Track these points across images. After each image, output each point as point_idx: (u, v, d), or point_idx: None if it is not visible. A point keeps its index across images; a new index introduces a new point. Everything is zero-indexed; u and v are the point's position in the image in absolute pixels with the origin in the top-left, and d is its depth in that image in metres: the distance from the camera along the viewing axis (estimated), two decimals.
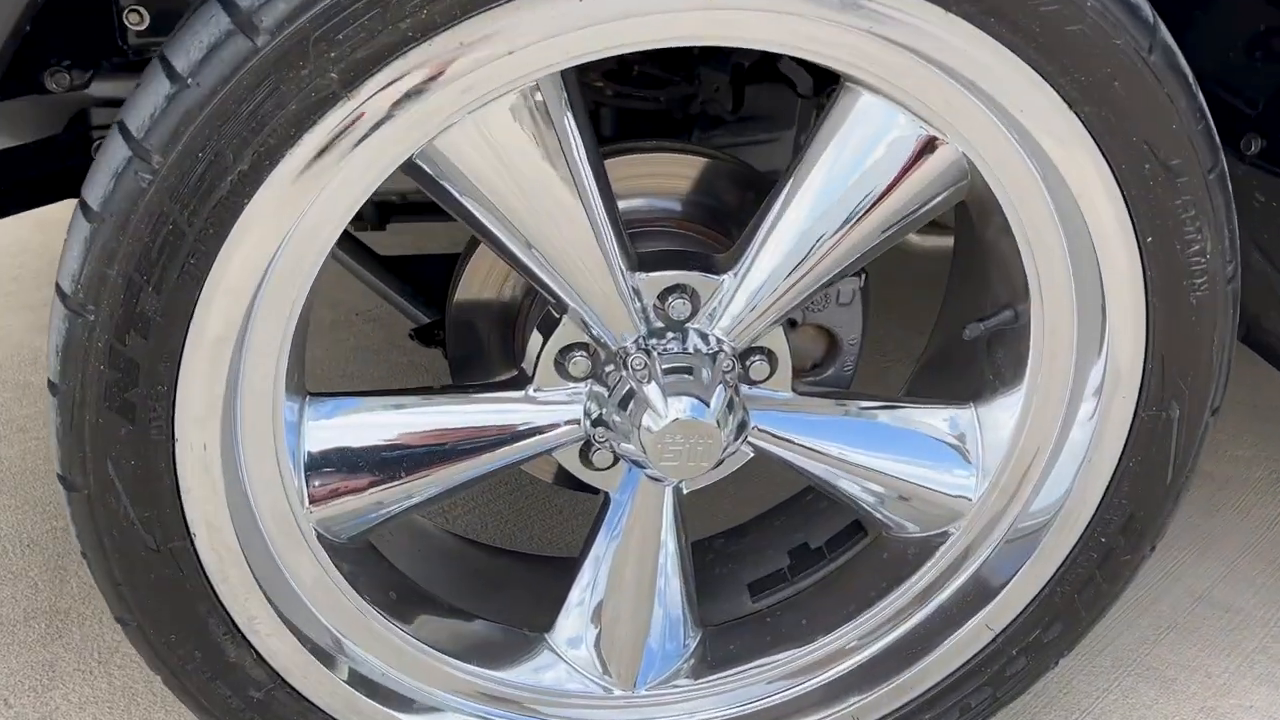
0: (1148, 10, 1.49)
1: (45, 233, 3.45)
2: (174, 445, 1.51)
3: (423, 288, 2.09)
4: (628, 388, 1.64)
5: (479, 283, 1.82)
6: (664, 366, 1.62)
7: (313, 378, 1.72)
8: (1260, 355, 1.99)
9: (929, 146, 1.57)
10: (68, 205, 1.61)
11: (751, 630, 1.91)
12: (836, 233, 1.61)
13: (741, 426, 1.67)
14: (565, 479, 1.79)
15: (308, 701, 1.71)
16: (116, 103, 1.56)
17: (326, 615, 1.69)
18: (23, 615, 2.23)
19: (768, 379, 1.71)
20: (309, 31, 1.34)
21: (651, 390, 1.61)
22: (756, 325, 1.66)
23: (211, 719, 1.68)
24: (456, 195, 1.52)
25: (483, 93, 1.43)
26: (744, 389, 1.70)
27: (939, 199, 1.62)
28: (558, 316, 1.64)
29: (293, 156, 1.40)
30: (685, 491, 1.77)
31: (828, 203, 1.61)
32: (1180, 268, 1.61)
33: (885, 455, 1.80)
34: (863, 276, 1.80)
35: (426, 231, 2.36)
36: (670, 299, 1.64)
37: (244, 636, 1.64)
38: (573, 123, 1.51)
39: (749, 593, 1.96)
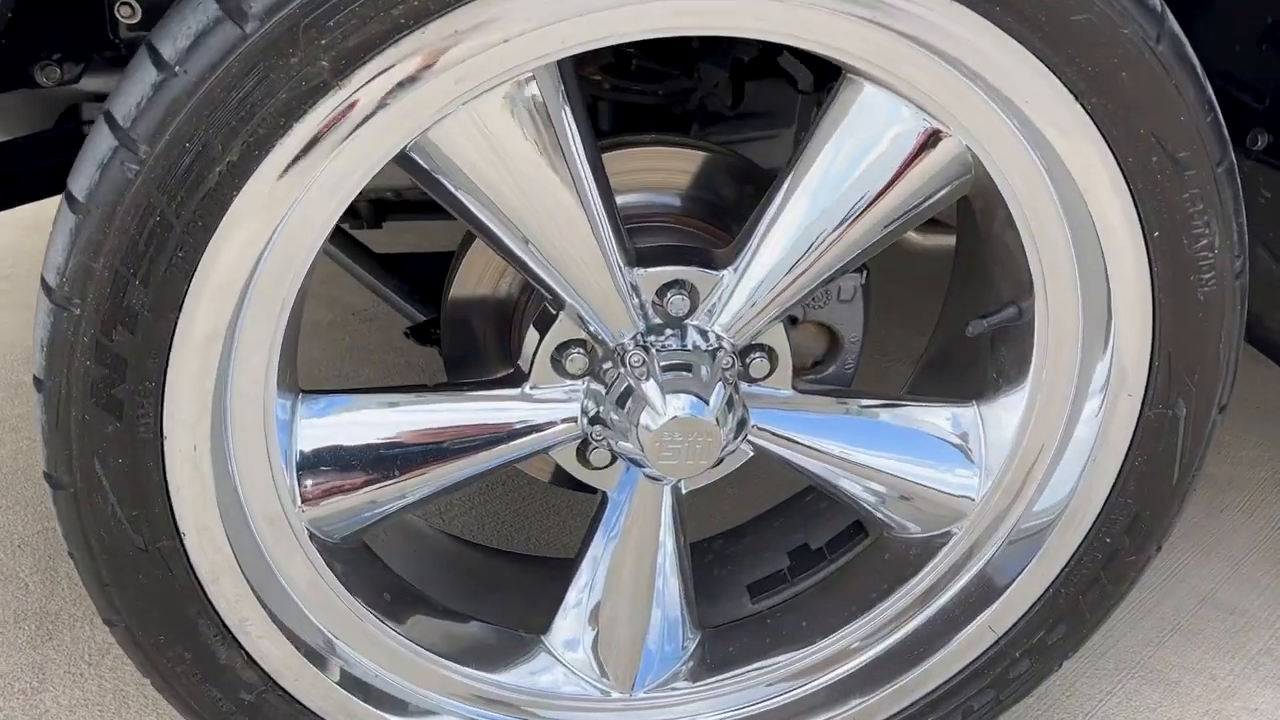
0: None
1: (41, 232, 3.42)
2: (162, 443, 1.49)
3: (418, 285, 2.08)
4: (626, 385, 1.62)
5: (474, 279, 1.81)
6: (662, 363, 1.61)
7: (309, 378, 1.70)
8: (1263, 353, 1.98)
9: (932, 139, 1.55)
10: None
11: (751, 632, 1.90)
12: (838, 228, 1.60)
13: (741, 425, 1.65)
14: (562, 478, 1.77)
15: (300, 704, 1.69)
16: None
17: (319, 616, 1.67)
18: (12, 617, 2.22)
19: (768, 376, 1.69)
20: (299, 18, 1.32)
21: (650, 387, 1.60)
22: (756, 322, 1.64)
23: None
24: (451, 189, 1.50)
25: (477, 82, 1.41)
26: (744, 387, 1.68)
27: (942, 193, 1.60)
28: (554, 313, 1.62)
29: (283, 147, 1.37)
30: (684, 491, 1.76)
31: (829, 197, 1.59)
32: (1188, 262, 1.60)
33: (887, 454, 1.78)
34: (864, 273, 1.79)
35: (426, 231, 2.34)
36: (669, 295, 1.62)
37: (235, 638, 1.62)
38: (570, 116, 1.49)
39: (749, 594, 1.95)
